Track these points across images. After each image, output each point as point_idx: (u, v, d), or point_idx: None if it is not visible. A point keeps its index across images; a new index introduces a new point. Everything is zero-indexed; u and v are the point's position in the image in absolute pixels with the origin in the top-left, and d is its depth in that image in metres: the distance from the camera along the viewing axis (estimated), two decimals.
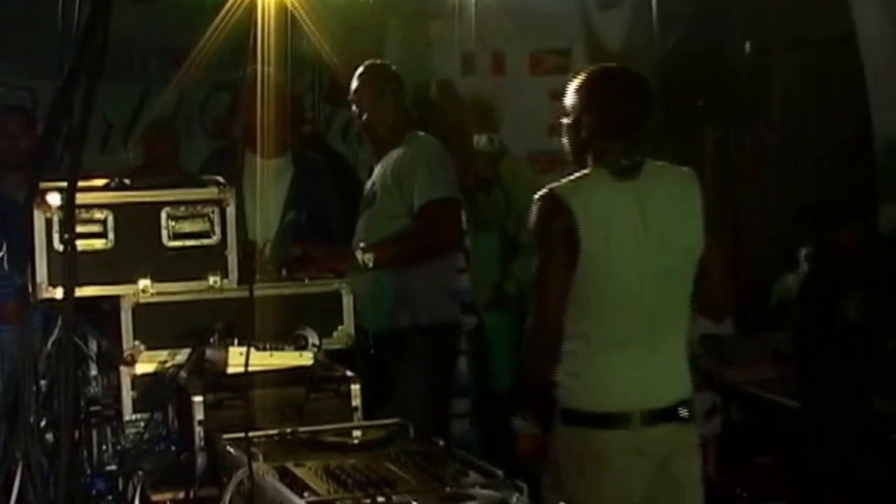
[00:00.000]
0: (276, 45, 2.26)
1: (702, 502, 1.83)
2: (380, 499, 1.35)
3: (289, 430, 1.61)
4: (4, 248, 2.62)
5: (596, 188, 1.78)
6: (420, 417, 1.80)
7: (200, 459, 1.64)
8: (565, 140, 1.84)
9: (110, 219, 1.81)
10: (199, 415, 1.65)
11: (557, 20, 3.81)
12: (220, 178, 1.91)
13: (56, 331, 1.74)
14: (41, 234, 1.76)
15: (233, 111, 2.89)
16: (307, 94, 3.82)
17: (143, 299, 1.81)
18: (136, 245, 1.83)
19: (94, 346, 1.90)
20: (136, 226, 1.83)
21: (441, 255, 2.60)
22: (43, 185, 1.71)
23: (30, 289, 1.76)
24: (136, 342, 1.80)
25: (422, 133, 2.65)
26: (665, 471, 1.78)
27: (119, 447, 1.79)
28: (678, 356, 1.83)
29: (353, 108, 2.65)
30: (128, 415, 1.79)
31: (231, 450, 1.53)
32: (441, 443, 1.59)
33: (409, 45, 3.86)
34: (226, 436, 1.58)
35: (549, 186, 1.79)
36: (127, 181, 1.89)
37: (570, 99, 1.82)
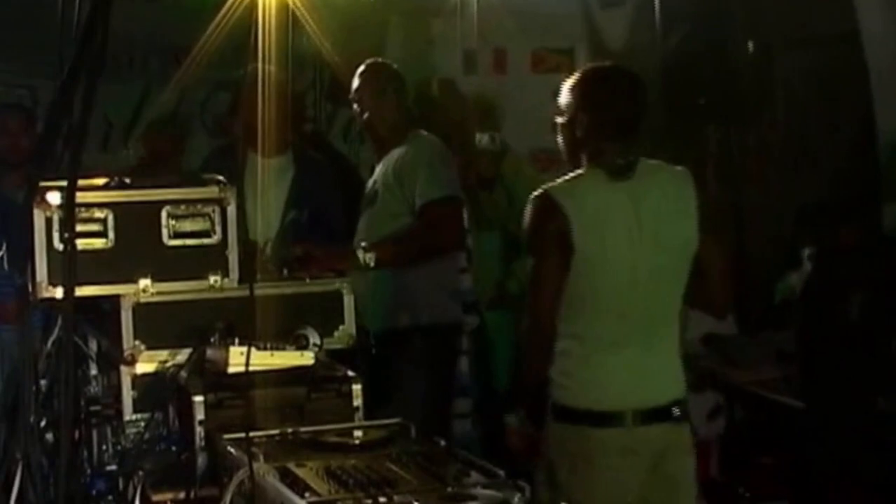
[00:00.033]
0: (277, 43, 2.26)
1: (695, 503, 1.83)
2: (381, 499, 1.34)
3: (290, 430, 1.61)
4: (4, 247, 2.61)
5: (590, 189, 1.78)
6: (422, 417, 1.80)
7: (201, 459, 1.63)
8: (560, 139, 1.84)
9: (110, 218, 1.80)
10: (199, 415, 1.65)
11: (560, 19, 3.80)
12: (221, 177, 1.90)
13: (56, 330, 1.74)
14: (41, 234, 1.75)
15: (234, 110, 2.88)
16: (308, 92, 3.82)
17: (143, 299, 1.80)
18: (137, 244, 1.82)
19: (94, 345, 1.90)
20: (136, 225, 1.82)
21: (443, 254, 2.59)
22: (43, 183, 1.70)
23: (30, 288, 1.75)
24: (137, 342, 1.79)
25: (423, 132, 2.64)
26: (658, 471, 1.78)
27: (119, 447, 1.78)
28: (672, 355, 1.83)
29: (355, 106, 2.65)
30: (128, 415, 1.78)
31: (232, 450, 1.53)
32: (442, 443, 1.58)
33: (411, 43, 3.85)
34: (226, 436, 1.57)
35: (543, 187, 1.79)
36: (127, 180, 1.88)
37: (564, 98, 1.82)
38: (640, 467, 1.77)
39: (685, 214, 1.80)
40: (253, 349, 1.66)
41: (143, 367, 1.79)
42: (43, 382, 1.78)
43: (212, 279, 1.85)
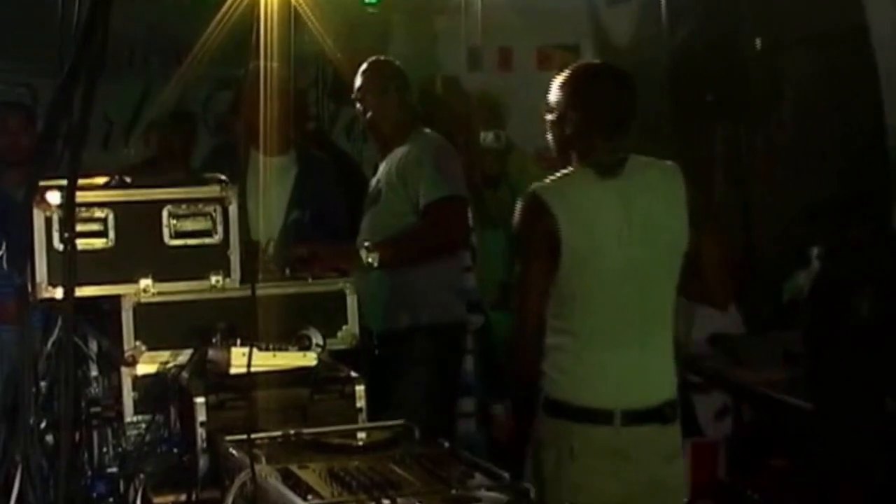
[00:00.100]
0: (279, 40, 2.24)
1: None
2: (384, 501, 1.34)
3: (292, 431, 1.59)
4: (4, 246, 2.59)
5: (579, 187, 1.77)
6: (426, 418, 1.79)
7: (202, 461, 1.62)
8: (550, 137, 1.84)
9: (111, 217, 1.78)
10: (201, 416, 1.64)
11: (565, 15, 3.78)
12: (223, 176, 1.89)
13: (56, 331, 1.73)
14: (41, 233, 1.74)
15: (235, 108, 2.86)
16: (311, 90, 3.80)
17: (144, 299, 1.79)
18: (137, 244, 1.81)
19: (94, 346, 1.88)
20: (137, 224, 1.81)
21: (447, 253, 2.57)
22: (43, 183, 1.69)
23: (29, 288, 1.74)
24: (138, 342, 1.78)
25: (427, 130, 2.62)
26: (645, 473, 1.77)
27: (120, 449, 1.77)
28: (666, 354, 1.82)
29: (357, 105, 2.63)
30: (129, 416, 1.77)
31: (233, 452, 1.52)
32: (446, 444, 1.57)
33: (415, 40, 3.84)
34: (228, 437, 1.56)
35: (532, 186, 1.79)
36: (128, 179, 1.87)
37: (554, 95, 1.83)
38: (626, 469, 1.76)
39: (676, 210, 1.80)
40: (255, 350, 1.66)
41: (144, 368, 1.78)
42: (43, 384, 1.77)
43: (213, 279, 1.83)
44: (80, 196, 1.67)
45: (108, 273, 1.78)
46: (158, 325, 1.79)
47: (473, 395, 2.93)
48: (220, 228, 1.84)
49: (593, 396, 1.76)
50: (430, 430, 1.63)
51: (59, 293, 1.69)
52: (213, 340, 1.74)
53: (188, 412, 1.67)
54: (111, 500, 1.72)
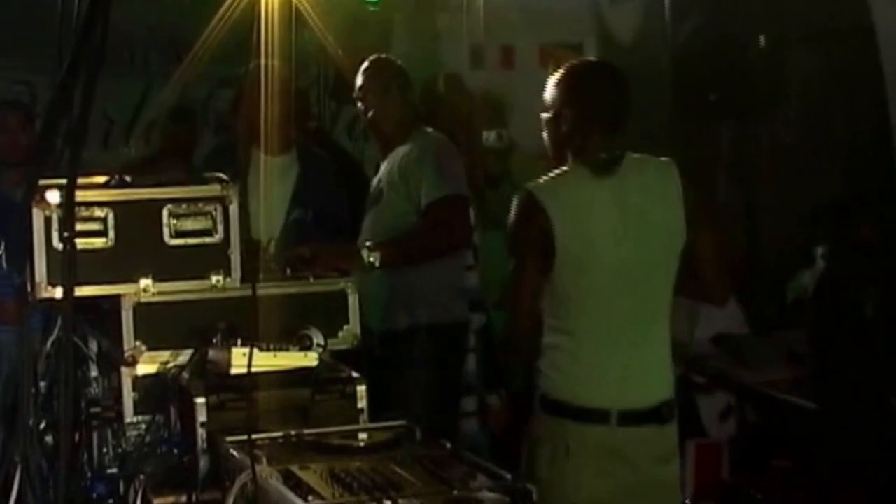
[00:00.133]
0: (280, 39, 2.23)
1: None
2: (386, 502, 1.32)
3: (293, 432, 1.58)
4: (3, 246, 2.59)
5: (574, 186, 1.77)
6: (428, 418, 1.77)
7: (203, 462, 1.61)
8: (545, 135, 1.84)
9: (111, 216, 1.77)
10: (201, 417, 1.62)
11: (568, 13, 3.77)
12: (223, 175, 1.88)
13: (55, 331, 1.72)
14: (40, 233, 1.72)
15: (236, 107, 2.86)
16: (312, 89, 3.79)
17: (144, 299, 1.77)
18: (137, 243, 1.79)
19: (94, 346, 1.87)
20: (137, 224, 1.79)
21: (449, 253, 2.56)
22: (42, 182, 1.68)
23: (28, 288, 1.73)
24: (138, 342, 1.76)
25: (429, 129, 2.61)
26: (640, 473, 1.76)
27: (120, 450, 1.76)
28: (663, 353, 1.82)
29: (359, 104, 2.62)
30: (129, 417, 1.75)
31: (234, 452, 1.50)
32: (448, 445, 1.55)
33: (417, 38, 3.83)
34: (229, 438, 1.54)
35: (527, 185, 1.79)
36: (128, 178, 1.85)
37: (549, 94, 1.83)
38: (622, 468, 1.75)
39: (671, 207, 1.79)
40: (256, 350, 1.64)
41: (144, 368, 1.76)
42: (42, 384, 1.76)
43: (214, 279, 1.82)
44: (80, 195, 1.65)
45: (108, 273, 1.76)
46: (159, 324, 1.77)
47: (475, 394, 2.92)
48: (220, 228, 1.82)
49: (590, 396, 1.76)
50: (432, 430, 1.62)
51: (58, 293, 1.67)
52: (214, 340, 1.72)
53: (188, 413, 1.65)
54: (111, 501, 1.71)
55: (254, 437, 1.50)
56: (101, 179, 1.84)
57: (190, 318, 1.78)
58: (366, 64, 2.60)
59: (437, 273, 2.54)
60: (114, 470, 1.74)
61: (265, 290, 1.78)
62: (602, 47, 3.77)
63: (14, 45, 3.27)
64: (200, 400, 1.63)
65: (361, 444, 1.57)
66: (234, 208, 1.84)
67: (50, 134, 1.49)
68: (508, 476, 1.41)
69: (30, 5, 2.65)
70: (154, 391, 1.75)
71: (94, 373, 1.86)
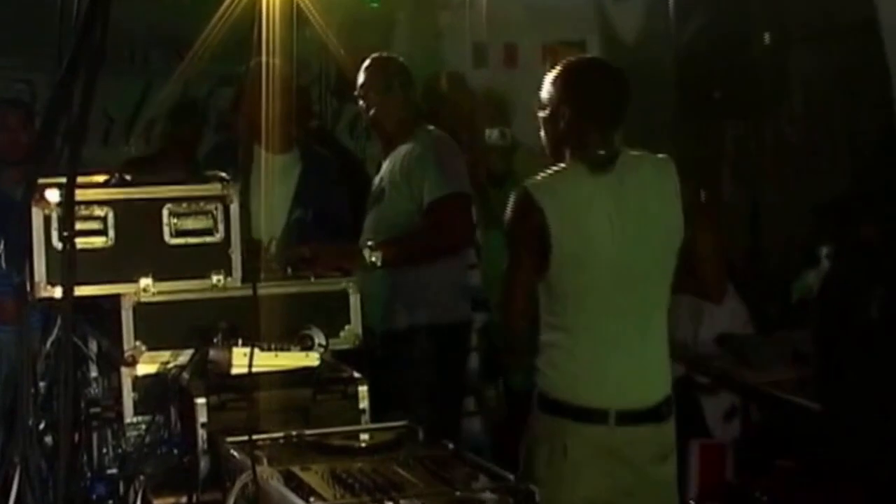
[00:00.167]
0: (282, 36, 2.22)
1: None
2: (387, 503, 1.31)
3: (294, 432, 1.57)
4: (2, 245, 2.58)
5: (570, 184, 1.77)
6: (431, 418, 1.77)
7: (203, 463, 1.60)
8: (543, 134, 1.84)
9: (110, 216, 1.76)
10: (201, 417, 1.61)
11: (571, 11, 3.75)
12: (224, 174, 1.87)
13: (55, 331, 1.71)
14: (39, 232, 1.71)
15: (237, 105, 2.85)
16: (313, 87, 3.78)
17: (144, 298, 1.76)
18: (138, 242, 1.78)
19: (94, 346, 1.87)
20: (137, 223, 1.78)
21: (451, 252, 2.55)
22: (41, 180, 1.67)
23: (28, 288, 1.72)
24: (138, 342, 1.75)
25: (431, 127, 2.60)
26: (638, 471, 1.76)
27: (120, 450, 1.75)
28: (661, 351, 1.81)
29: (360, 102, 2.61)
30: (129, 417, 1.74)
31: (235, 453, 1.49)
32: (450, 446, 1.54)
33: (419, 36, 3.82)
34: (229, 439, 1.53)
35: (524, 182, 1.79)
36: (128, 177, 1.84)
37: (546, 92, 1.82)
38: (620, 467, 1.75)
39: (669, 203, 1.79)
40: (256, 350, 1.64)
41: (145, 368, 1.75)
42: (42, 384, 1.75)
43: (214, 278, 1.81)
44: (80, 194, 1.63)
45: (108, 272, 1.75)
46: (159, 324, 1.76)
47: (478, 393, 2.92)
48: (221, 227, 1.81)
49: (588, 395, 1.76)
50: (434, 430, 1.61)
51: (58, 292, 1.66)
52: (215, 340, 1.71)
53: (189, 413, 1.65)
54: (111, 501, 1.70)
55: (254, 437, 1.49)
56: (101, 178, 1.83)
57: (190, 317, 1.78)
58: (367, 62, 2.59)
59: (439, 272, 2.53)
60: (114, 470, 1.74)
61: (266, 289, 1.77)
62: (605, 46, 3.75)
63: (14, 44, 3.26)
64: (201, 400, 1.62)
65: (363, 444, 1.56)
66: (234, 207, 1.83)
67: (49, 132, 1.48)
68: (511, 477, 1.40)
69: (30, 4, 2.65)
70: (154, 391, 1.74)
71: (93, 373, 1.86)
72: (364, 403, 1.71)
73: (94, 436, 1.77)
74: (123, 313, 1.75)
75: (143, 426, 1.73)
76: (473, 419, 2.90)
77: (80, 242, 1.67)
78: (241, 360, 1.65)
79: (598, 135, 1.78)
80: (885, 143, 3.13)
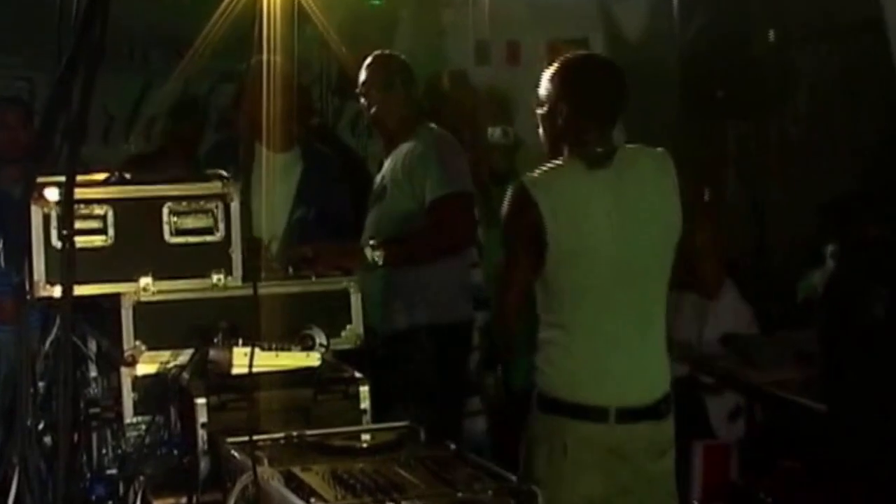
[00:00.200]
0: (283, 33, 2.21)
1: (674, 499, 1.81)
2: None
3: (295, 433, 1.56)
4: (1, 244, 2.57)
5: (568, 180, 1.76)
6: (433, 418, 1.75)
7: (203, 464, 1.59)
8: (541, 131, 1.84)
9: (110, 214, 1.75)
10: (202, 417, 1.60)
11: (575, 8, 3.74)
12: (224, 172, 1.86)
13: (54, 330, 1.70)
14: (38, 231, 1.70)
15: (237, 103, 2.84)
16: (315, 85, 3.77)
17: (144, 298, 1.75)
18: (137, 241, 1.77)
19: (93, 346, 1.85)
20: (136, 222, 1.77)
21: (454, 252, 2.54)
22: (41, 179, 1.66)
23: (27, 287, 1.71)
24: (137, 342, 1.74)
25: (433, 125, 2.59)
26: (637, 468, 1.75)
27: (119, 451, 1.74)
28: (659, 347, 1.80)
29: (362, 100, 2.60)
30: (128, 417, 1.73)
31: (235, 454, 1.49)
32: (452, 446, 1.53)
33: (421, 34, 3.80)
34: (230, 439, 1.52)
35: (521, 178, 1.78)
36: (127, 175, 1.83)
37: (544, 89, 1.82)
38: (619, 464, 1.75)
39: (667, 198, 1.78)
40: (257, 350, 1.63)
41: (144, 368, 1.74)
42: (41, 384, 1.74)
43: (215, 278, 1.80)
44: (79, 192, 1.64)
45: (108, 271, 1.74)
46: (159, 324, 1.75)
47: (480, 393, 2.91)
48: (221, 226, 1.80)
49: (588, 393, 1.75)
50: (436, 430, 1.60)
51: (57, 292, 1.65)
52: (215, 340, 1.70)
53: (189, 413, 1.64)
54: (110, 502, 1.70)
55: (255, 438, 1.48)
56: (100, 176, 1.82)
57: (190, 317, 1.76)
58: (369, 59, 2.58)
59: (441, 271, 2.52)
60: (113, 471, 1.73)
61: (267, 289, 1.76)
62: (609, 44, 3.74)
63: (14, 42, 3.25)
64: (201, 400, 1.61)
65: (364, 445, 1.55)
66: (235, 206, 1.82)
67: (49, 130, 1.47)
68: (513, 478, 1.39)
69: (29, 1, 2.64)
70: (154, 391, 1.73)
71: (93, 373, 1.84)
72: (365, 404, 1.70)
73: (94, 436, 1.76)
74: (123, 313, 1.75)
75: (143, 426, 1.72)
76: (476, 419, 2.89)
77: (80, 241, 1.66)
78: (241, 360, 1.64)
79: (596, 131, 1.78)
80: (890, 142, 3.11)
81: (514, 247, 1.79)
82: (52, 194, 1.70)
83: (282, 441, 1.55)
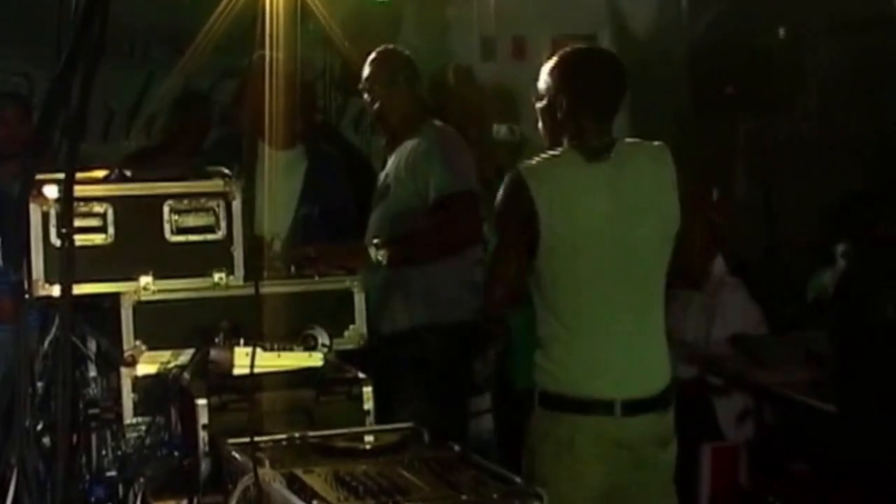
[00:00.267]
0: (286, 29, 2.19)
1: (673, 489, 1.80)
2: None
3: (297, 434, 1.55)
4: None
5: (565, 170, 1.75)
6: (436, 418, 1.74)
7: (204, 465, 1.58)
8: (541, 125, 1.83)
9: (110, 212, 1.74)
10: (202, 418, 1.59)
11: (582, 4, 3.71)
12: (226, 170, 1.84)
13: (53, 330, 1.69)
14: (37, 229, 1.69)
15: (239, 99, 2.82)
16: (318, 81, 3.75)
17: (144, 297, 1.74)
18: (138, 240, 1.76)
19: (93, 346, 1.84)
20: (137, 220, 1.76)
21: (458, 251, 2.52)
22: (39, 176, 1.64)
23: (26, 286, 1.70)
24: (138, 342, 1.73)
25: (438, 122, 2.57)
26: (641, 459, 1.75)
27: (119, 452, 1.73)
28: (659, 339, 1.80)
29: (365, 96, 2.58)
30: (128, 418, 1.72)
31: (236, 455, 1.47)
32: (457, 448, 1.51)
33: (426, 29, 3.77)
34: (231, 440, 1.51)
35: (518, 165, 1.77)
36: (128, 173, 1.82)
37: (543, 82, 1.81)
38: (625, 456, 1.75)
39: (665, 191, 1.78)
40: (259, 350, 1.61)
41: (145, 368, 1.73)
42: (39, 384, 1.73)
43: (216, 277, 1.78)
44: (79, 190, 1.63)
45: (107, 270, 1.73)
46: (159, 324, 1.74)
47: (486, 392, 2.89)
48: (223, 224, 1.79)
49: (592, 387, 1.74)
50: (440, 431, 1.58)
51: (56, 291, 1.65)
52: (216, 340, 1.70)
53: (189, 414, 1.62)
54: None
55: (256, 439, 1.46)
56: (100, 174, 1.81)
57: (191, 316, 1.75)
58: (373, 55, 2.55)
59: (446, 270, 2.50)
60: (113, 473, 1.72)
61: (269, 288, 1.75)
62: (617, 39, 3.71)
63: (13, 37, 3.24)
64: (202, 401, 1.60)
65: (367, 446, 1.53)
66: (237, 204, 1.81)
67: (47, 127, 1.45)
68: (518, 480, 1.38)
69: None
70: (154, 392, 1.72)
71: (92, 373, 1.84)
72: (369, 404, 1.68)
73: (93, 437, 1.75)
74: (123, 312, 1.73)
75: (143, 427, 1.71)
76: (482, 419, 2.87)
77: (79, 240, 1.65)
78: (243, 360, 1.63)
79: (595, 124, 1.78)
80: None
81: (504, 231, 1.79)
82: (51, 192, 1.69)
83: (284, 442, 1.53)
